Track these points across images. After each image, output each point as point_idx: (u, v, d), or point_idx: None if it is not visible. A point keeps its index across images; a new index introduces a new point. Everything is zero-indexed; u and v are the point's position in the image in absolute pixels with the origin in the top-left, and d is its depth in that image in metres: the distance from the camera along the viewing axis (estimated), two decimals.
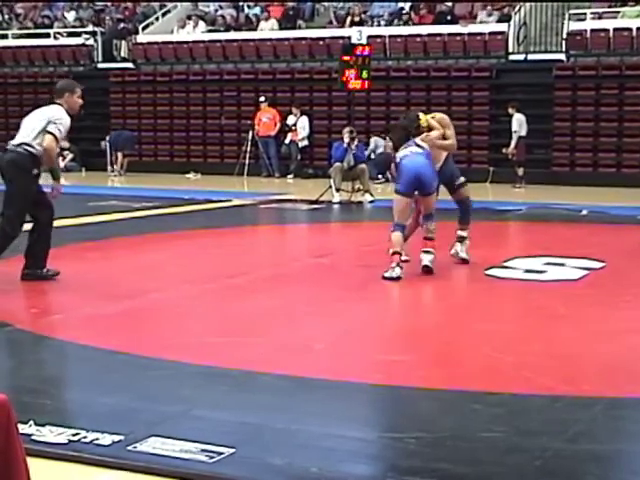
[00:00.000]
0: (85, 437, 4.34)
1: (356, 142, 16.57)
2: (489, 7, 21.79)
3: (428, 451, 4.29)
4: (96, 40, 25.21)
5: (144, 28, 25.01)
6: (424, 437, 4.45)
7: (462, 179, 9.81)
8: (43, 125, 8.28)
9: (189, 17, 25.04)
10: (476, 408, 4.95)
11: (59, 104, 8.47)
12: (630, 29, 19.70)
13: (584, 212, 14.35)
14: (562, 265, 9.40)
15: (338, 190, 16.21)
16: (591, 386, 5.42)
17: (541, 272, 9.05)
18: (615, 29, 19.84)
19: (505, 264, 9.46)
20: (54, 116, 8.33)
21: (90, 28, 25.82)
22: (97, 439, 4.32)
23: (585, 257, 9.72)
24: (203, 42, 23.77)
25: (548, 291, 8.35)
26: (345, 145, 16.31)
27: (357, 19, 22.59)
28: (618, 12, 20.67)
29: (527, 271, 9.11)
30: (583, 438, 4.49)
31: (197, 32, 24.35)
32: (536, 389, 5.31)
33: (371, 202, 15.87)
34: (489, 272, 9.07)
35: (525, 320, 7.38)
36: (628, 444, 4.49)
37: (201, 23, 24.55)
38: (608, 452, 4.34)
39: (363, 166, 16.19)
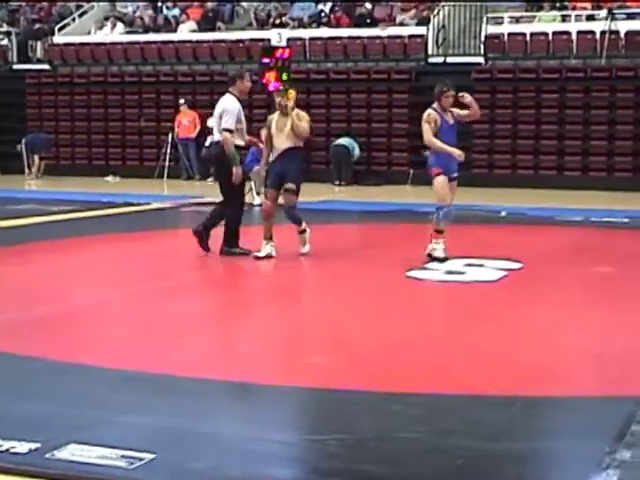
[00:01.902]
0: (0, 445, 4.26)
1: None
2: (413, 11, 21.95)
3: (349, 453, 4.30)
4: (10, 40, 24.75)
5: (60, 29, 24.63)
6: (345, 439, 4.46)
7: (292, 186, 10.01)
8: (218, 121, 9.95)
9: (107, 18, 24.75)
10: (397, 409, 4.97)
11: (230, 92, 10.06)
12: (546, 33, 20.04)
13: (503, 213, 14.56)
14: (482, 266, 9.51)
15: (259, 193, 16.17)
16: (510, 386, 5.48)
17: (461, 273, 9.14)
18: (532, 33, 20.15)
19: (426, 265, 9.53)
20: (223, 110, 9.91)
21: (4, 28, 25.36)
22: (13, 447, 4.23)
23: (504, 258, 9.85)
24: (121, 43, 23.50)
25: (468, 292, 8.44)
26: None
27: (277, 21, 22.59)
28: (534, 16, 21.01)
29: (447, 272, 9.19)
30: (502, 437, 4.55)
31: (115, 33, 24.07)
32: (456, 389, 5.35)
33: None
34: (410, 274, 9.12)
35: (446, 321, 7.44)
36: (544, 442, 4.55)
37: (119, 24, 24.26)
38: (525, 450, 4.40)
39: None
